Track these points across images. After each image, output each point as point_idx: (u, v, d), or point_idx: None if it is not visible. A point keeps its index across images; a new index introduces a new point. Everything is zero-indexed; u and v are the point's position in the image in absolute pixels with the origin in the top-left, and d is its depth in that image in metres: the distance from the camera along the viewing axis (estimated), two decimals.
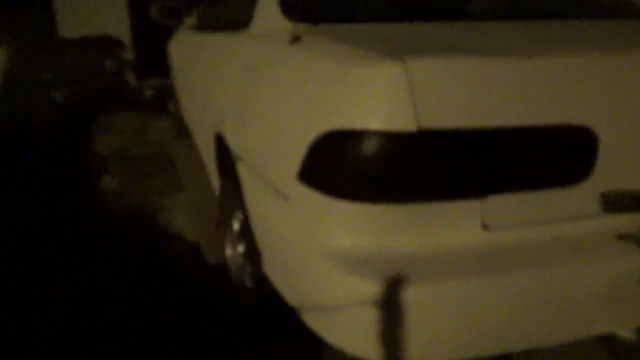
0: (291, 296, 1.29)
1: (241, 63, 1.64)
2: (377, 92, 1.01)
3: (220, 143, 1.91)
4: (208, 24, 2.71)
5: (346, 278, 1.06)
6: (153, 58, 5.53)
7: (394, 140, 1.01)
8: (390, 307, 1.03)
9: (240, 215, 1.81)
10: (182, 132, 3.99)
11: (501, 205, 1.08)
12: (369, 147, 1.02)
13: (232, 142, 1.61)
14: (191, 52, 2.76)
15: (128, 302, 2.02)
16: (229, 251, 2.01)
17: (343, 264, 1.06)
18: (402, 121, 0.99)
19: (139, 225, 2.88)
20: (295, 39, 1.31)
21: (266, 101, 1.36)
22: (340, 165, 1.07)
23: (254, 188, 1.44)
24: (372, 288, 1.04)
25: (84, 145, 4.26)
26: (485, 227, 1.08)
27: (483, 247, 1.07)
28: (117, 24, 5.68)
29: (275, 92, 1.31)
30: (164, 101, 4.95)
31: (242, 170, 1.52)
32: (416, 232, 1.05)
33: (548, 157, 1.08)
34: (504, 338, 1.10)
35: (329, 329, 1.13)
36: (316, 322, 1.17)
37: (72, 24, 5.92)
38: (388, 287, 1.03)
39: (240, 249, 1.89)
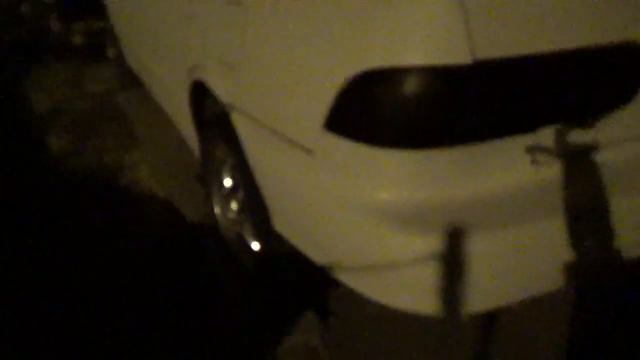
0: (321, 256, 1.19)
1: None
2: (425, 22, 0.87)
3: (198, 91, 1.72)
4: None
5: (398, 234, 0.97)
6: None
7: (445, 76, 0.89)
8: (449, 260, 0.96)
9: (232, 171, 1.66)
10: (128, 80, 3.66)
11: (549, 137, 1.00)
12: (416, 86, 0.90)
13: (222, 91, 1.43)
14: None
15: (108, 276, 1.85)
16: (217, 209, 1.87)
17: (393, 219, 0.97)
18: (456, 53, 0.87)
19: (100, 187, 2.65)
20: None
21: (271, 41, 1.18)
22: (382, 110, 0.94)
23: (260, 142, 1.28)
24: (428, 243, 0.96)
25: (16, 105, 3.84)
26: (535, 163, 1.00)
27: (534, 185, 1.00)
28: None
29: (285, 30, 1.14)
30: (99, 47, 4.50)
31: (240, 123, 1.36)
32: (469, 176, 0.95)
33: (601, 79, 1.00)
34: (558, 274, 1.07)
35: (375, 287, 1.05)
36: (357, 281, 1.08)
37: None
38: (446, 240, 0.95)
39: (234, 206, 1.75)
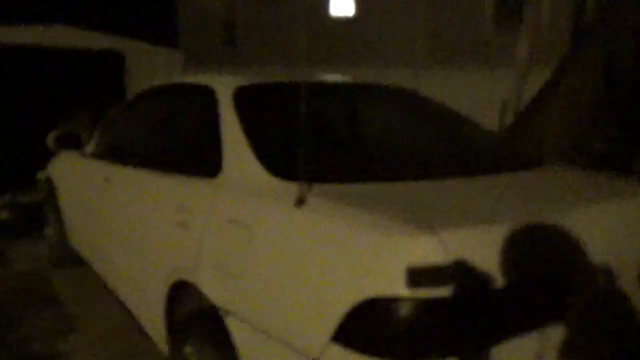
0: None
1: (222, 216, 1.63)
2: (416, 261, 1.13)
3: (178, 291, 1.83)
4: (122, 156, 2.61)
5: None
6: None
7: (434, 302, 1.13)
8: None
9: None
10: (65, 260, 3.60)
11: None
12: (404, 309, 1.13)
13: (216, 295, 1.57)
14: (103, 184, 2.60)
15: None
16: None
17: None
18: (439, 285, 1.13)
19: None
20: (300, 201, 1.38)
21: (278, 265, 1.38)
22: (382, 328, 1.15)
23: (258, 347, 1.42)
24: None
25: None
26: None
27: None
28: None
29: (290, 257, 1.35)
30: (27, 222, 4.44)
31: (236, 327, 1.49)
32: None
33: None
34: None
35: None
36: None
37: None
38: None
39: None
